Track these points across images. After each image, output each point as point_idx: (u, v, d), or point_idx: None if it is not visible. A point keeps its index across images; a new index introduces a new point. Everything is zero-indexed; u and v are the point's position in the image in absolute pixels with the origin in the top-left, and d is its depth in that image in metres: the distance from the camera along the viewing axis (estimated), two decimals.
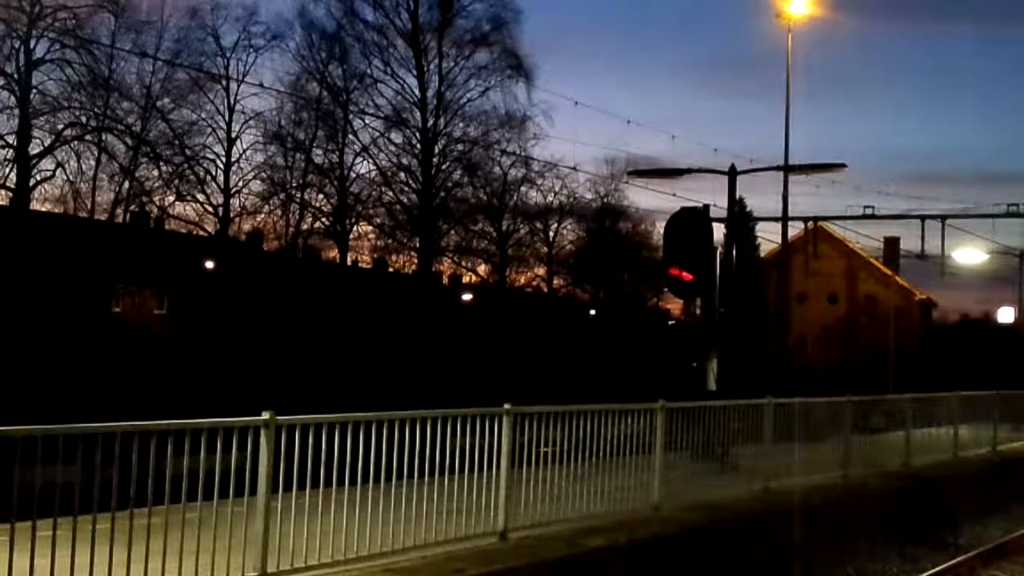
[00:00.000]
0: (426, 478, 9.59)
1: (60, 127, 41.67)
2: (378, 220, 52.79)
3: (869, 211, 41.18)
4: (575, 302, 61.02)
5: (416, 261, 53.24)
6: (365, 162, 51.66)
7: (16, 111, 40.43)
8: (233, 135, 48.33)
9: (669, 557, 11.84)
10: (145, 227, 45.98)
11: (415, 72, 50.41)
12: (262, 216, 50.94)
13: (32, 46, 40.21)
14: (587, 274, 61.75)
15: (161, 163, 45.63)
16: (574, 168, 56.05)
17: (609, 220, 61.41)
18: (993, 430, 24.24)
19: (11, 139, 40.52)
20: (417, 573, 9.20)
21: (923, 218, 39.99)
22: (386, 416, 9.25)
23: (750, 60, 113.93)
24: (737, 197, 21.05)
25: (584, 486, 11.70)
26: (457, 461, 10.07)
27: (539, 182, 56.50)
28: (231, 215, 48.87)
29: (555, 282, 61.93)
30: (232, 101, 48.13)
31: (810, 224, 43.97)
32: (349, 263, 52.76)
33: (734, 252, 21.50)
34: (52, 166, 42.01)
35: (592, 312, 59.52)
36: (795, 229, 41.40)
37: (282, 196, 50.44)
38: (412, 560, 9.40)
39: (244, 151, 48.94)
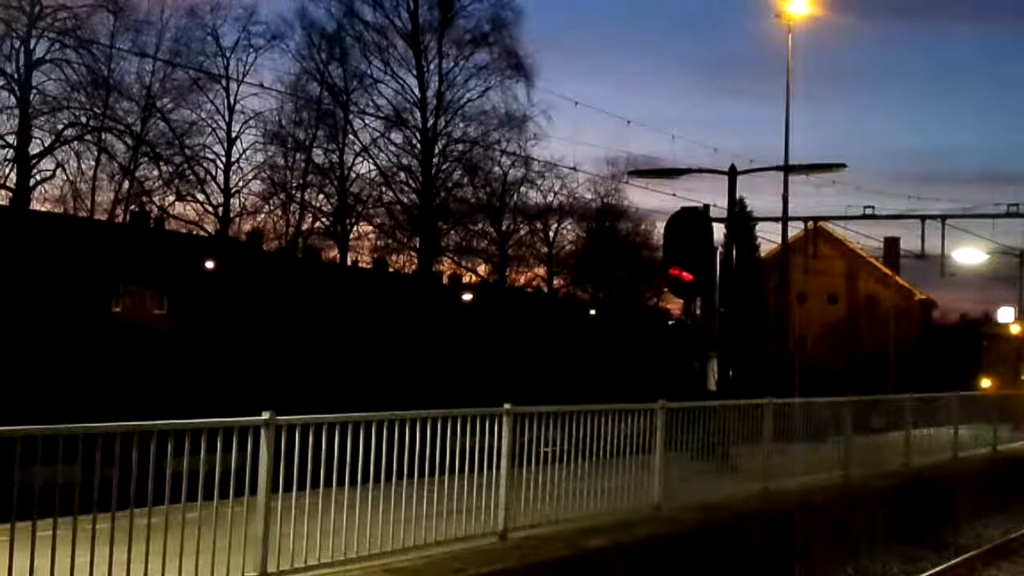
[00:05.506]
0: (426, 478, 9.59)
1: (60, 127, 41.62)
2: (378, 220, 52.83)
3: (869, 211, 41.14)
4: (575, 302, 60.97)
5: (416, 261, 53.22)
6: (365, 162, 51.69)
7: (16, 111, 40.39)
8: (233, 135, 48.34)
9: (669, 557, 11.84)
10: (145, 227, 45.91)
11: (415, 72, 50.44)
12: (262, 216, 50.98)
13: (32, 46, 40.16)
14: (587, 274, 61.71)
15: (161, 163, 45.58)
16: (574, 168, 56.07)
17: (609, 220, 61.35)
18: (993, 430, 24.25)
19: (11, 139, 40.52)
20: (417, 573, 9.20)
21: (923, 218, 39.94)
22: (386, 416, 9.25)
23: (750, 60, 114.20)
24: (737, 197, 21.06)
25: (584, 486, 11.70)
26: (457, 461, 10.08)
27: (539, 182, 56.54)
28: (231, 215, 48.84)
29: (555, 282, 61.92)
30: (232, 101, 48.15)
31: (810, 224, 43.95)
32: (349, 263, 52.72)
33: (734, 252, 21.51)
34: (52, 166, 41.95)
35: (592, 312, 59.47)
36: (795, 229, 41.44)
37: (282, 196, 50.43)
38: (412, 560, 9.40)
39: (244, 151, 48.98)
